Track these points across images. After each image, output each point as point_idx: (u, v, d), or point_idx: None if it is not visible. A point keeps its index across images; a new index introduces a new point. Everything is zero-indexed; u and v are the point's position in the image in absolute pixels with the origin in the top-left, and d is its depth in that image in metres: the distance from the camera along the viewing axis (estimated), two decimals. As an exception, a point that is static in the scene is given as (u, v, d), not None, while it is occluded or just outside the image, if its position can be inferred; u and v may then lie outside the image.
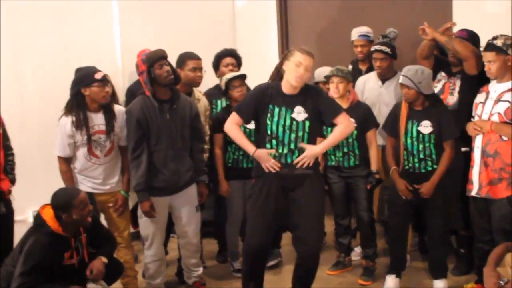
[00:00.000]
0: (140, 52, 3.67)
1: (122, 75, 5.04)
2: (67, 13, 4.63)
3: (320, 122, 3.49)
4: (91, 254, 3.35)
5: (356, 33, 4.77)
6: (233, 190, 4.18)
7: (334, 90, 4.04)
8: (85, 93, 3.54)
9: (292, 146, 3.35)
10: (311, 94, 3.39)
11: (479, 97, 3.64)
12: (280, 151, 3.35)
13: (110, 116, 3.64)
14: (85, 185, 3.64)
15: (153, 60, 3.58)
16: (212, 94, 4.46)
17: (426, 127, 3.73)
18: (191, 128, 3.80)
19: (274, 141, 3.37)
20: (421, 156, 3.76)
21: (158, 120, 3.64)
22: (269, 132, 3.37)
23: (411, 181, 3.79)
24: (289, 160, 3.35)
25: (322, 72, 4.49)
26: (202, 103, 4.20)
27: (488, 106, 3.55)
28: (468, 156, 3.73)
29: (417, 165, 3.78)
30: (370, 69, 4.67)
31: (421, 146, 3.75)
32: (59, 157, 3.63)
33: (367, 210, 4.13)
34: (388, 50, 4.32)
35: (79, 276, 3.28)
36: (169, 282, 4.16)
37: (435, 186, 3.72)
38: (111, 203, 3.72)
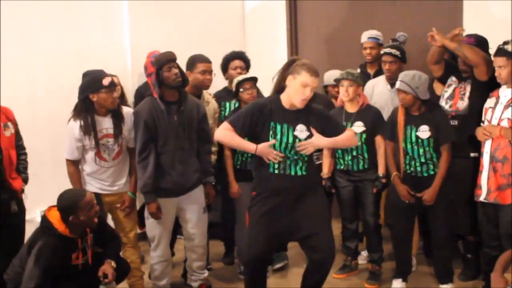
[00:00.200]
0: (149, 53, 3.65)
1: (131, 76, 5.05)
2: (77, 14, 4.66)
3: None
4: (96, 254, 3.35)
5: (366, 35, 4.77)
6: (241, 192, 4.17)
7: (344, 93, 4.03)
8: (93, 99, 3.54)
9: (296, 156, 3.29)
10: (314, 114, 3.31)
11: (489, 102, 3.63)
12: (283, 164, 3.28)
13: (118, 120, 3.65)
14: (93, 186, 3.66)
15: (162, 63, 3.57)
16: (221, 96, 4.45)
17: (424, 131, 3.73)
18: (198, 129, 3.80)
19: None
20: (423, 160, 3.75)
21: (165, 122, 3.64)
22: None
23: (413, 185, 3.80)
24: (292, 172, 3.29)
25: (331, 75, 4.47)
26: (212, 106, 4.20)
27: (497, 111, 3.53)
28: (476, 162, 3.71)
29: (419, 169, 3.78)
30: (378, 72, 4.66)
31: (421, 150, 3.75)
32: (67, 160, 3.65)
33: (373, 215, 4.12)
34: (397, 53, 4.31)
35: (82, 276, 3.29)
36: (175, 283, 4.16)
37: (437, 192, 3.71)
38: (118, 203, 3.74)
